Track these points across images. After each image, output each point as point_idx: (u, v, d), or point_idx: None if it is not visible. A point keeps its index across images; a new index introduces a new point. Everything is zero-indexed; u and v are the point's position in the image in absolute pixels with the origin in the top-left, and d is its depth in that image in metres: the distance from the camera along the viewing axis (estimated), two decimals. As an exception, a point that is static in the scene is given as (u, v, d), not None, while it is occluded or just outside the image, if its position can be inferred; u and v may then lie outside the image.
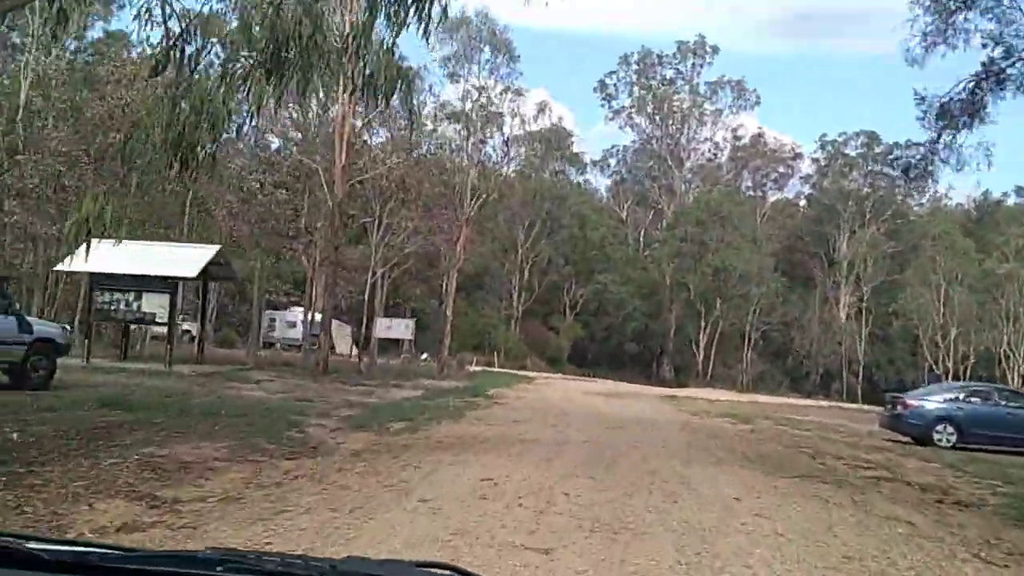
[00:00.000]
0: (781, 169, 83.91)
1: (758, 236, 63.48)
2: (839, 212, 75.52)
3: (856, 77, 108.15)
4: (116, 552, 1.63)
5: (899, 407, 19.23)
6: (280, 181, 28.60)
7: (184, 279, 22.92)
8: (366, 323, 33.83)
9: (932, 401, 19.07)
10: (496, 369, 50.77)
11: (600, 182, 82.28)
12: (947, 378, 55.05)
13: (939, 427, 18.42)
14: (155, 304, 22.84)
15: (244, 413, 13.81)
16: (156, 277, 22.21)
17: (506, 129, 38.32)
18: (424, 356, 48.69)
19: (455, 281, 34.64)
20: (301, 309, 52.36)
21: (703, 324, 62.61)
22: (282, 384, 21.80)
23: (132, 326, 25.70)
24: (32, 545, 1.55)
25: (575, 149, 65.23)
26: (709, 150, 79.56)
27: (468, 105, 36.94)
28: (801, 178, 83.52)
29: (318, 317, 52.48)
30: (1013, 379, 52.71)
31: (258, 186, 26.98)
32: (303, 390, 20.40)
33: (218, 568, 1.50)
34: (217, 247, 23.49)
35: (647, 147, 78.58)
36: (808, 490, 9.55)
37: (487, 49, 37.11)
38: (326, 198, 26.08)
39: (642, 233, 74.73)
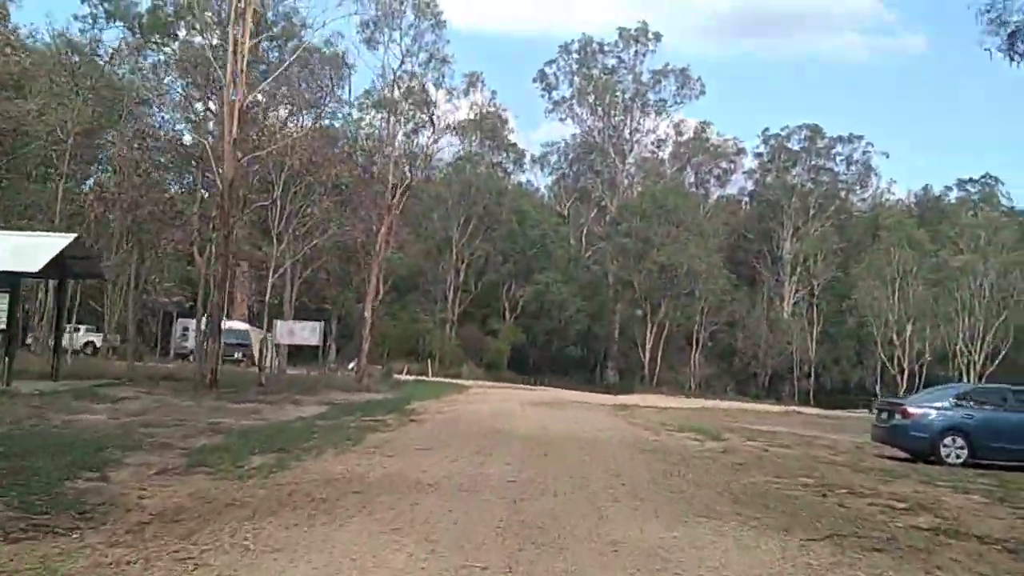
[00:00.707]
0: (724, 165, 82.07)
1: (705, 231, 60.63)
2: (782, 208, 73.88)
3: (797, 76, 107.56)
4: None
5: (896, 416, 15.94)
6: (166, 161, 24.27)
7: (24, 274, 18.53)
8: (267, 328, 29.66)
9: (936, 408, 15.81)
10: (429, 378, 46.93)
11: (541, 180, 78.88)
12: (902, 377, 52.94)
13: (947, 440, 15.16)
14: (-10, 306, 18.45)
15: (35, 450, 9.79)
16: (-12, 272, 17.82)
17: (433, 110, 34.02)
18: (351, 365, 44.54)
19: (377, 278, 30.41)
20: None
21: (649, 325, 59.55)
22: (147, 403, 17.66)
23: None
24: None
25: (512, 140, 61.55)
26: (652, 143, 76.89)
27: (388, 77, 32.70)
28: (744, 173, 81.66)
29: (232, 324, 48.05)
30: (969, 376, 50.72)
31: (133, 166, 22.66)
32: (168, 411, 16.31)
33: None
34: (72, 236, 19.14)
35: (589, 139, 75.51)
36: (863, 570, 5.96)
37: (410, 12, 33.03)
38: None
39: (584, 231, 71.58)
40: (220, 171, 21.15)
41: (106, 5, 39.62)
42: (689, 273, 57.20)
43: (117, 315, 47.69)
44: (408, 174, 30.99)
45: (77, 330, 48.67)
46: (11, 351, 18.82)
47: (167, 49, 34.38)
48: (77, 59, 31.07)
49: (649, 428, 19.67)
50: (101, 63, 32.56)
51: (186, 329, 49.73)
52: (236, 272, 48.86)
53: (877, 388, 53.88)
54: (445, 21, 34.24)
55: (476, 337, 58.22)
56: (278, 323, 24.47)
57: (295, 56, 25.17)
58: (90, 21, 39.08)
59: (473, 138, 56.99)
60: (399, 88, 32.23)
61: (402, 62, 32.04)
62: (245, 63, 20.73)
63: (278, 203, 25.59)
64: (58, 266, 19.27)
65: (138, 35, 37.02)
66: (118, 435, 11.94)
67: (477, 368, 55.70)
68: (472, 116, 34.05)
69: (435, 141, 32.46)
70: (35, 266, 17.43)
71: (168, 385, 22.29)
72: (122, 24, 38.15)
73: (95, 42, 36.52)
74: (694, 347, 59.54)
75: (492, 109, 58.37)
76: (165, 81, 30.72)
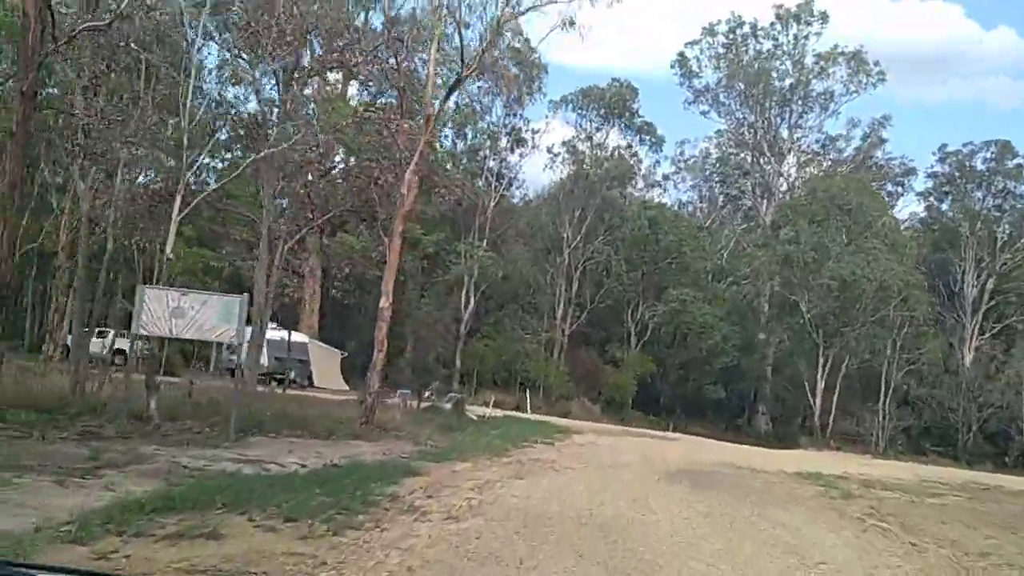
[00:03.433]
0: (890, 188, 66.98)
1: (899, 240, 45.88)
2: (963, 237, 58.67)
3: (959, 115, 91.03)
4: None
5: None
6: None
7: None
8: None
9: None
10: (525, 415, 34.74)
11: (672, 195, 64.94)
12: None
13: None
14: None
15: None
16: None
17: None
18: (450, 395, 33.13)
19: (401, 240, 17.99)
20: (273, 326, 37.65)
21: (821, 360, 45.10)
22: None
23: None
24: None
25: (644, 118, 48.35)
26: (817, 142, 62.55)
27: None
28: (918, 195, 66.25)
29: (286, 335, 36.98)
30: None
31: None
32: None
33: None
34: None
35: (738, 136, 62.03)
36: None
37: None
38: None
39: (731, 243, 57.88)
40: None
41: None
42: (879, 293, 42.60)
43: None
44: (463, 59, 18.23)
45: (103, 334, 39.19)
46: None
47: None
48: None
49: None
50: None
51: (233, 339, 39.16)
52: (306, 270, 38.64)
53: None
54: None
55: (592, 365, 45.35)
56: (144, 292, 12.33)
57: None
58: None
59: (593, 110, 44.72)
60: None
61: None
62: None
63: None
64: None
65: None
66: None
67: (592, 405, 42.95)
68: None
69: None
70: None
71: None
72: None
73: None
74: (884, 391, 44.48)
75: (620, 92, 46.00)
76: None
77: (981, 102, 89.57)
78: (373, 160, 18.04)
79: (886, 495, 15.84)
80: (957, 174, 62.94)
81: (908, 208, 66.18)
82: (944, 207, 64.28)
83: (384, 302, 17.28)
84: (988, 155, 62.23)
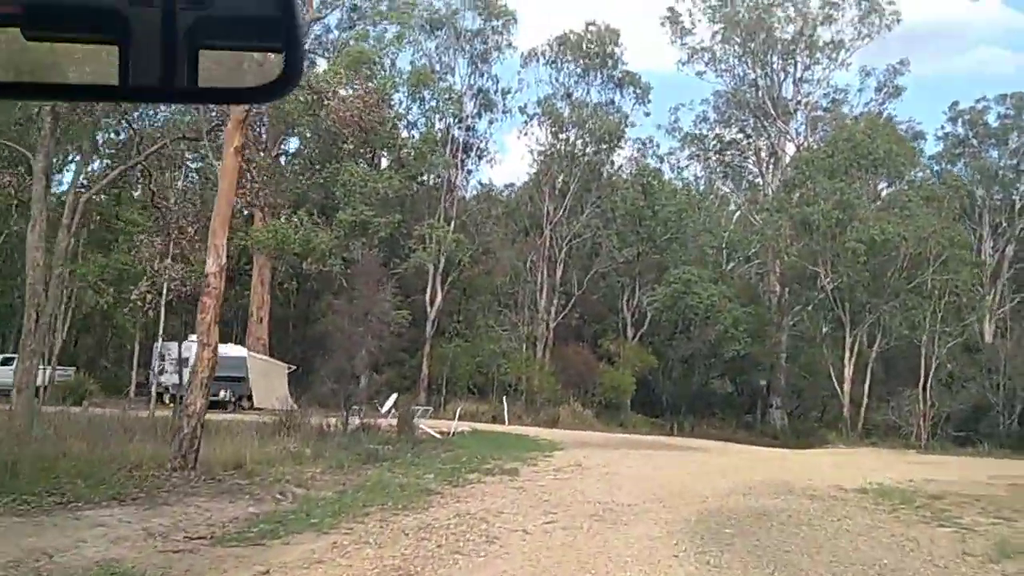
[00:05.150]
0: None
1: (935, 193, 39.35)
2: (978, 201, 52.80)
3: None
4: None
5: None
6: None
7: None
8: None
9: None
10: (501, 428, 28.50)
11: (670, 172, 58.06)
12: None
13: None
14: None
15: None
16: None
17: None
18: (388, 406, 26.77)
19: (237, 155, 10.69)
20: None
21: (848, 340, 38.56)
22: None
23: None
24: None
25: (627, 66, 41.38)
26: (825, 96, 55.84)
27: None
28: (930, 158, 59.58)
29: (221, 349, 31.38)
30: None
31: None
32: None
33: None
34: None
35: (738, 96, 55.28)
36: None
37: None
38: None
39: (735, 216, 51.53)
40: None
41: None
42: (915, 257, 36.08)
43: (61, 340, 32.18)
44: None
45: (8, 362, 32.84)
46: None
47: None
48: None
49: None
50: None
51: (163, 357, 32.76)
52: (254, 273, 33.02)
53: None
54: None
55: (583, 363, 38.52)
56: None
57: None
58: None
59: (569, 61, 38.07)
60: None
61: None
62: None
63: None
64: None
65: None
66: None
67: (584, 410, 36.39)
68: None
69: None
70: None
71: None
72: None
73: None
74: (926, 373, 37.68)
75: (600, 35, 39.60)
76: None
77: (979, 73, 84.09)
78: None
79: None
80: (971, 133, 57.25)
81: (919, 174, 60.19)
82: (957, 169, 58.47)
83: (211, 265, 10.65)
84: (1003, 111, 56.61)
